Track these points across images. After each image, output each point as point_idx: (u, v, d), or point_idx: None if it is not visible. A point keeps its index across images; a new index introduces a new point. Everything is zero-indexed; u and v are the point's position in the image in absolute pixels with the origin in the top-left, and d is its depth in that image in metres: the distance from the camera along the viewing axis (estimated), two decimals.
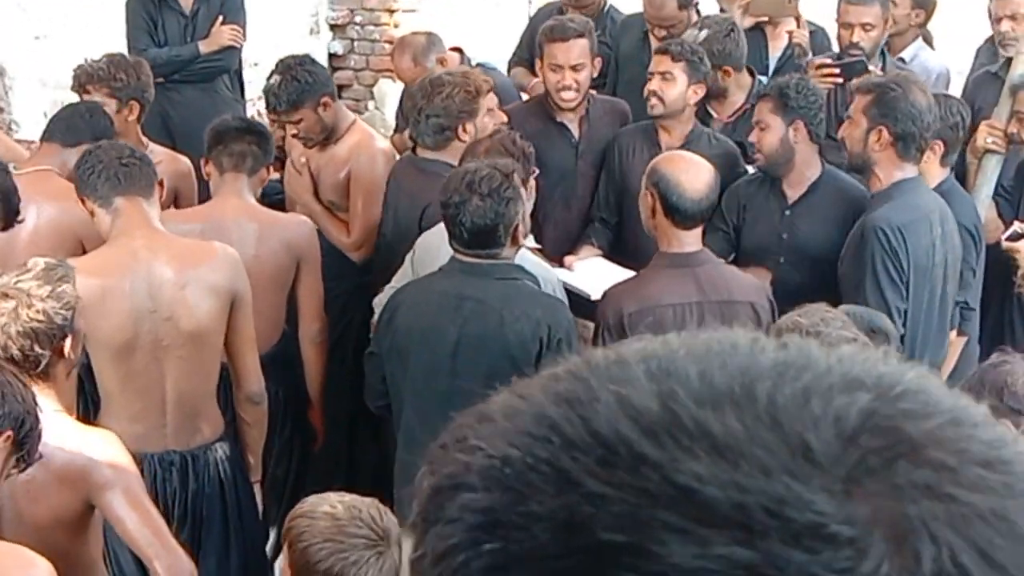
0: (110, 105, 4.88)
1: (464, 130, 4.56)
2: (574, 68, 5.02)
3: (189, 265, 3.76)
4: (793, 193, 4.59)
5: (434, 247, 4.18)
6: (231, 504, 3.94)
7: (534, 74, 5.80)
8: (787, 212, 4.59)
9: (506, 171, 3.74)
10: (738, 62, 5.28)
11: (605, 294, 4.06)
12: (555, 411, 0.62)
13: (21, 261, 4.12)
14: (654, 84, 4.86)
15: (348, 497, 2.73)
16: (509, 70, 6.37)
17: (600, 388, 0.62)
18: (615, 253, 4.87)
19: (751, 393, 0.60)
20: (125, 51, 6.18)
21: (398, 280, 4.31)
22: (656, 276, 3.96)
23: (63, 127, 4.52)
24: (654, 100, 4.86)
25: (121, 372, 3.69)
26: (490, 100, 4.69)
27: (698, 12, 5.95)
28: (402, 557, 2.65)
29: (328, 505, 2.66)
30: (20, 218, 3.94)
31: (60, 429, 3.03)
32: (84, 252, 4.21)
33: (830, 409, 0.59)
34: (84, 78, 4.94)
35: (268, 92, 4.84)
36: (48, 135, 4.54)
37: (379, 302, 4.36)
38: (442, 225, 4.22)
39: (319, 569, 2.57)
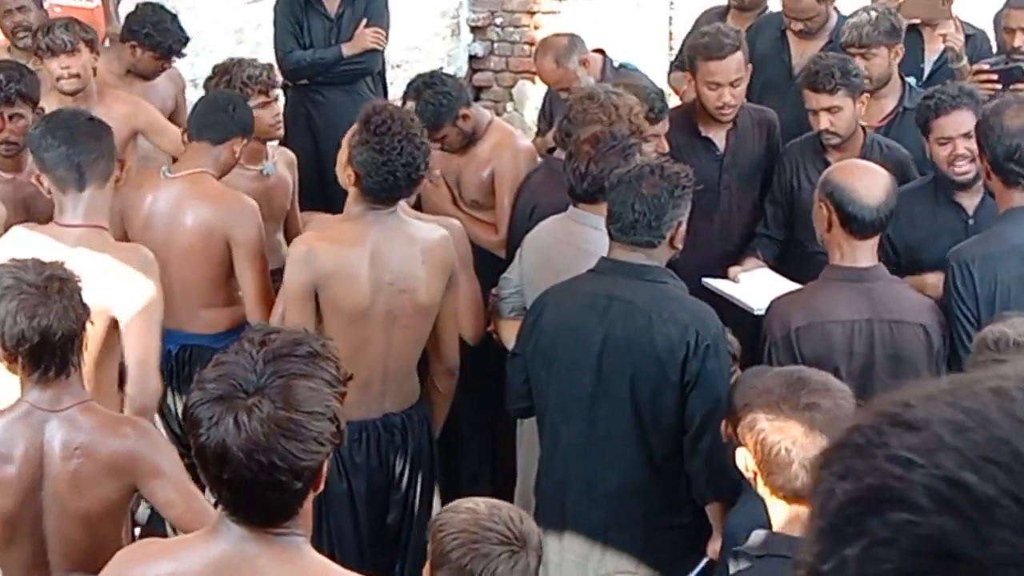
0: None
1: None
2: (732, 84, 4.95)
3: (425, 242, 3.94)
4: (971, 202, 4.44)
5: (543, 245, 4.18)
6: (435, 459, 4.16)
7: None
8: (971, 222, 4.42)
9: (686, 172, 3.74)
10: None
11: (771, 306, 3.94)
12: (1018, 438, 0.56)
13: (178, 255, 4.27)
14: (823, 122, 4.73)
15: (493, 500, 2.77)
16: (670, 73, 6.31)
17: None
18: (782, 271, 4.73)
19: None
20: (272, 53, 6.33)
21: (509, 273, 4.36)
22: (827, 289, 3.82)
23: (209, 123, 4.51)
24: (827, 135, 4.75)
25: (354, 339, 3.84)
26: (648, 127, 4.56)
27: (837, 9, 5.82)
28: (539, 564, 2.66)
29: (472, 503, 2.72)
30: None
31: (96, 419, 3.07)
32: (230, 250, 4.37)
33: None
34: (268, 78, 4.94)
35: None
36: (198, 133, 4.53)
37: (493, 294, 4.42)
38: (552, 221, 4.23)
39: (452, 558, 2.62)
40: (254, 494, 2.09)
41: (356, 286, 3.86)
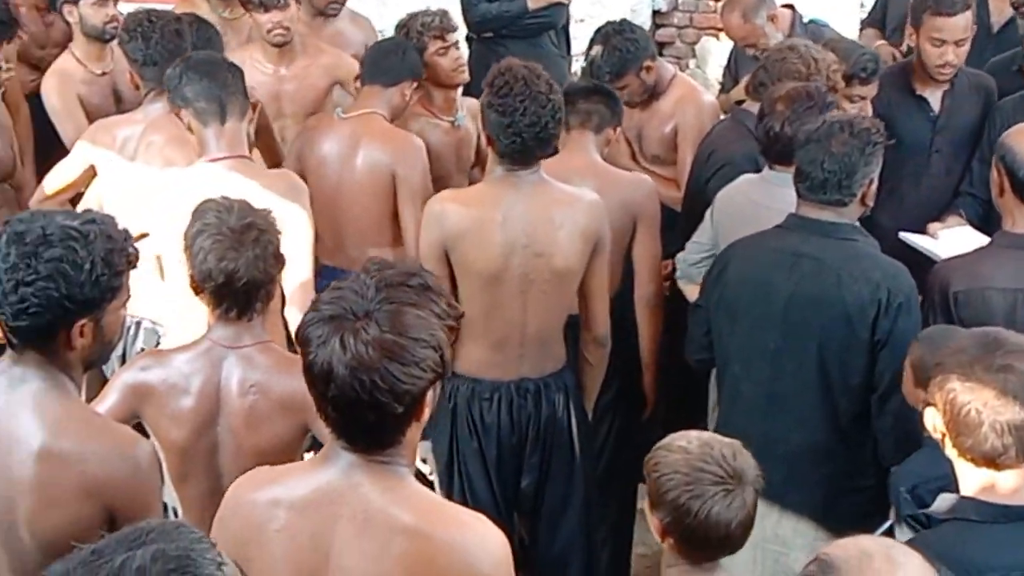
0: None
1: None
2: (957, 43, 4.81)
3: (565, 206, 3.84)
4: None
5: (740, 207, 4.11)
6: (577, 430, 4.05)
7: (883, 36, 5.59)
8: None
9: (877, 127, 3.63)
10: None
11: (936, 267, 3.83)
12: None
13: (349, 193, 4.34)
14: None
15: (706, 435, 2.74)
16: (861, 31, 6.17)
17: None
18: (986, 231, 4.48)
19: None
20: (459, 7, 6.37)
21: (699, 236, 4.30)
22: (992, 255, 3.68)
23: (381, 68, 4.69)
24: None
25: (487, 301, 3.82)
26: (844, 85, 4.45)
27: None
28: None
29: (685, 440, 2.70)
30: None
31: (272, 358, 3.14)
32: (395, 186, 4.49)
33: None
34: (441, 23, 5.02)
35: (591, 63, 4.86)
36: (370, 77, 4.71)
37: (681, 259, 4.37)
38: (746, 183, 4.16)
39: (668, 498, 2.63)
40: (356, 414, 2.16)
41: (486, 248, 3.79)
